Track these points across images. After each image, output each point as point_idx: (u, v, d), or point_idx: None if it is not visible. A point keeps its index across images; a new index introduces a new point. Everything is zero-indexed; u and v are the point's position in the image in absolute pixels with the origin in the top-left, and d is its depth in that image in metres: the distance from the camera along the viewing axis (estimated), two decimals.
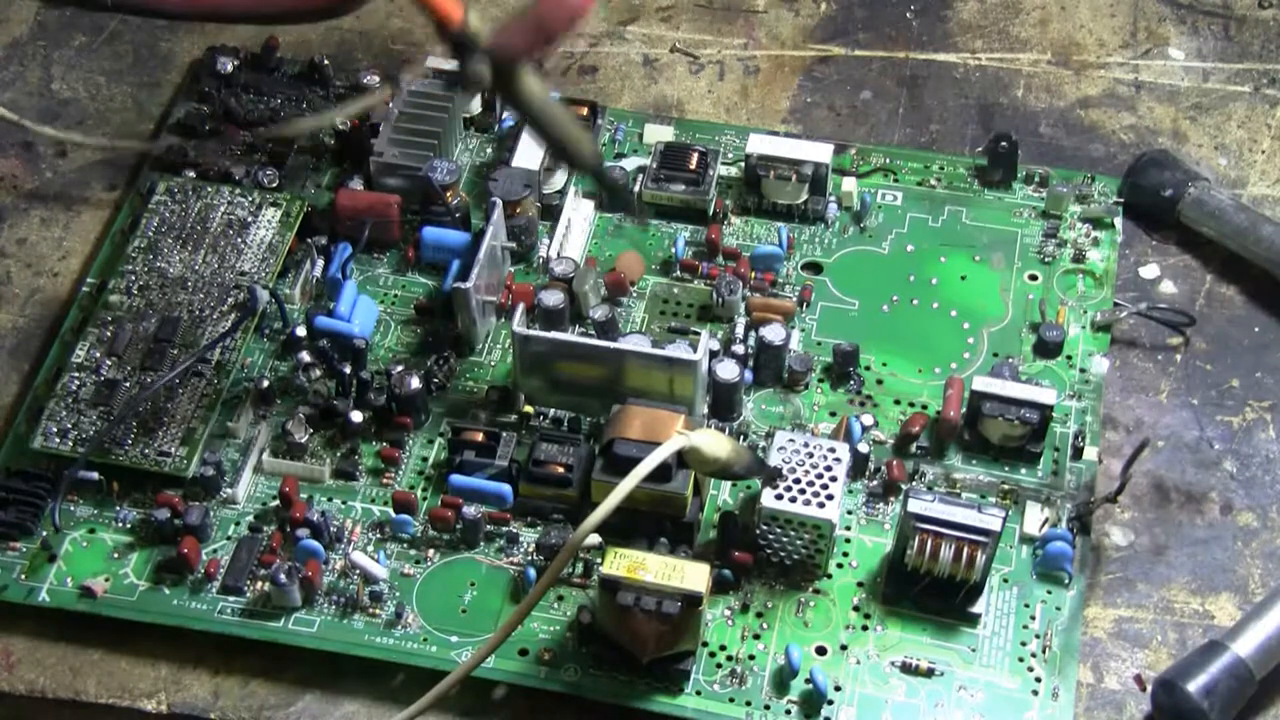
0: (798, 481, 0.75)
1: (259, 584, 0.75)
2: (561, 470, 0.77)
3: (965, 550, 0.73)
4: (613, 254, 0.87)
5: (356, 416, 0.80)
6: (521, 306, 0.80)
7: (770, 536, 0.75)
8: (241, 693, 0.74)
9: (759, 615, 0.75)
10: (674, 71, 0.98)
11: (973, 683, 0.73)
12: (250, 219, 0.86)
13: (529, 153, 0.87)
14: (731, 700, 0.73)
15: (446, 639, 0.74)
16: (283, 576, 0.74)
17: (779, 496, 0.74)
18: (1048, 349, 0.83)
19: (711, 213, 0.89)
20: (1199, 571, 0.78)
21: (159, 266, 0.84)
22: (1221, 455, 0.82)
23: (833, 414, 0.81)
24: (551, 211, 0.88)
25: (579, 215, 0.88)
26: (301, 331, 0.83)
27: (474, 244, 0.83)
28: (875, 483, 0.79)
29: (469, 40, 0.67)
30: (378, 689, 0.74)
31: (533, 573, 0.75)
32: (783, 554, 0.76)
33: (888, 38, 0.99)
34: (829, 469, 0.75)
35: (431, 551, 0.77)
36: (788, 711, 0.72)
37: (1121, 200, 0.89)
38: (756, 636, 0.74)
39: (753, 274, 0.85)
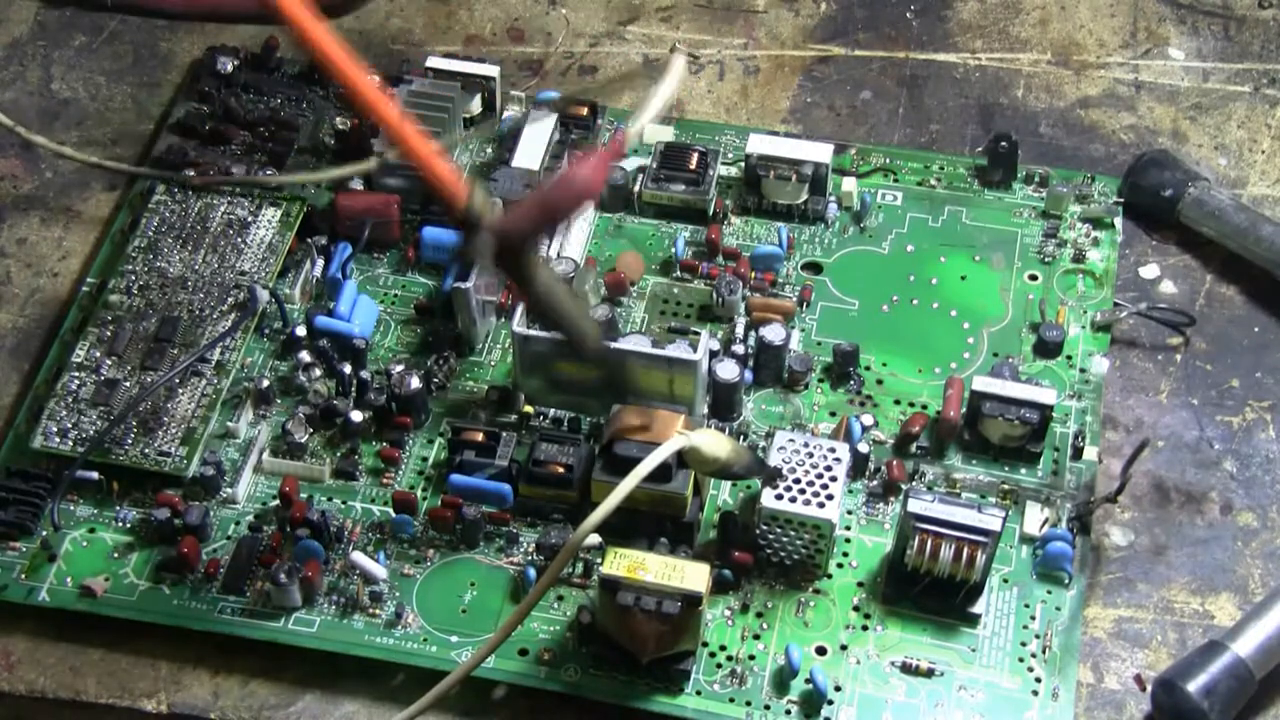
0: (798, 481, 0.75)
1: (259, 584, 0.75)
2: (561, 470, 0.77)
3: (965, 550, 0.73)
4: (613, 254, 0.87)
5: (356, 416, 0.80)
6: (521, 306, 0.80)
7: (770, 536, 0.75)
8: (241, 693, 0.74)
9: (759, 615, 0.75)
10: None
11: (973, 683, 0.73)
12: (250, 219, 0.86)
13: (529, 153, 0.87)
14: (731, 700, 0.73)
15: (446, 639, 0.74)
16: (283, 576, 0.74)
17: (779, 496, 0.74)
18: (1048, 349, 0.83)
19: (711, 213, 0.89)
20: (1199, 571, 0.78)
21: (159, 266, 0.84)
22: (1221, 455, 0.82)
23: (833, 414, 0.81)
24: None
25: (578, 215, 0.88)
26: (301, 331, 0.83)
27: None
28: (875, 483, 0.79)
29: (475, 219, 0.68)
30: (378, 689, 0.74)
31: (533, 573, 0.75)
32: (783, 554, 0.76)
33: (888, 38, 0.99)
34: (829, 469, 0.75)
35: (431, 551, 0.77)
36: (788, 711, 0.72)
37: (1121, 200, 0.89)
38: (756, 636, 0.74)
39: (753, 274, 0.85)
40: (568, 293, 0.72)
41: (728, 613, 0.75)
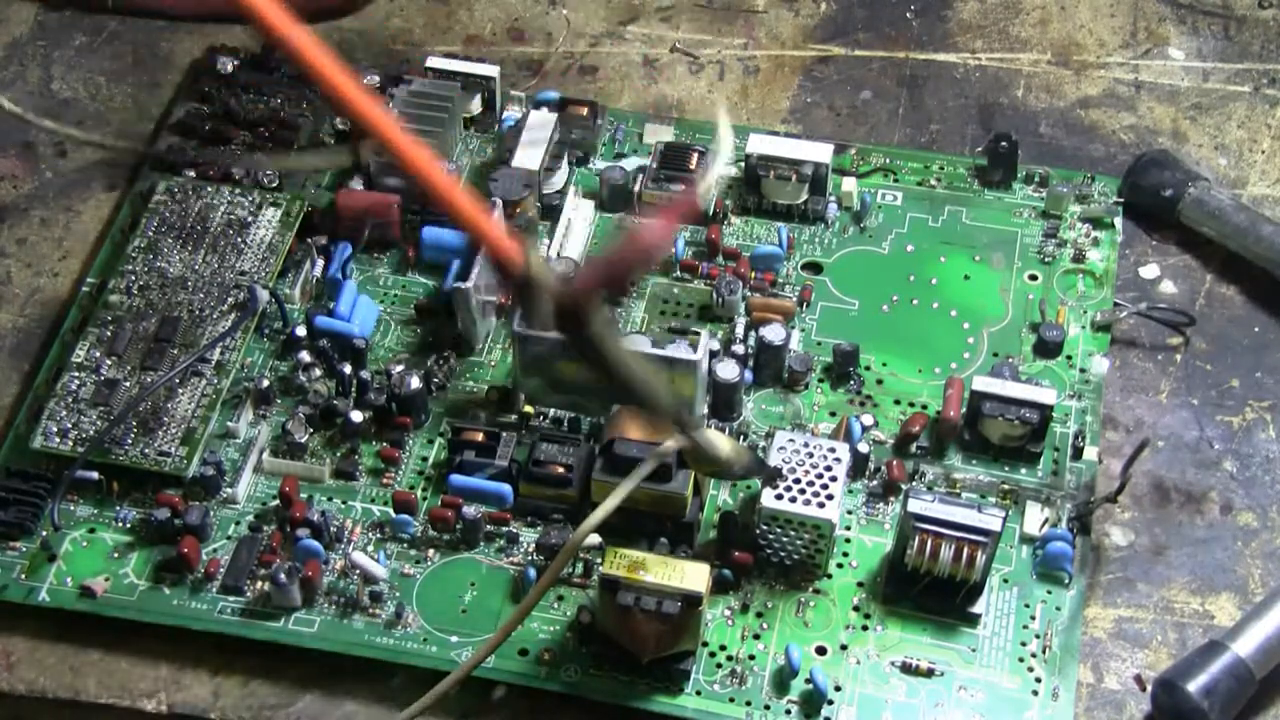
0: (798, 481, 0.75)
1: (259, 584, 0.75)
2: (561, 470, 0.77)
3: (965, 550, 0.73)
4: None
5: (356, 416, 0.80)
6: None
7: (770, 536, 0.75)
8: (241, 693, 0.74)
9: (759, 615, 0.75)
10: (674, 71, 0.98)
11: (973, 683, 0.73)
12: (250, 219, 0.86)
13: (529, 153, 0.87)
14: (731, 700, 0.73)
15: (446, 639, 0.74)
16: (283, 576, 0.74)
17: (779, 496, 0.74)
18: (1048, 349, 0.83)
19: (711, 213, 0.89)
20: (1199, 571, 0.78)
21: (159, 266, 0.84)
22: (1221, 455, 0.82)
23: (833, 414, 0.81)
24: (551, 211, 0.88)
25: (579, 215, 0.88)
26: (301, 331, 0.83)
27: (474, 244, 0.83)
28: (875, 483, 0.79)
29: (534, 284, 0.62)
30: (378, 689, 0.74)
31: (533, 573, 0.75)
32: (783, 554, 0.76)
33: (888, 38, 0.99)
34: (829, 469, 0.75)
35: (431, 551, 0.77)
36: (788, 711, 0.72)
37: (1121, 200, 0.89)
38: (756, 636, 0.74)
39: (753, 274, 0.85)
40: (639, 357, 0.67)
41: (728, 613, 0.75)
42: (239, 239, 0.85)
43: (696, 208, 0.65)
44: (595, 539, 0.74)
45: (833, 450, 0.76)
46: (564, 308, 0.63)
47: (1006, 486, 0.79)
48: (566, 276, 0.63)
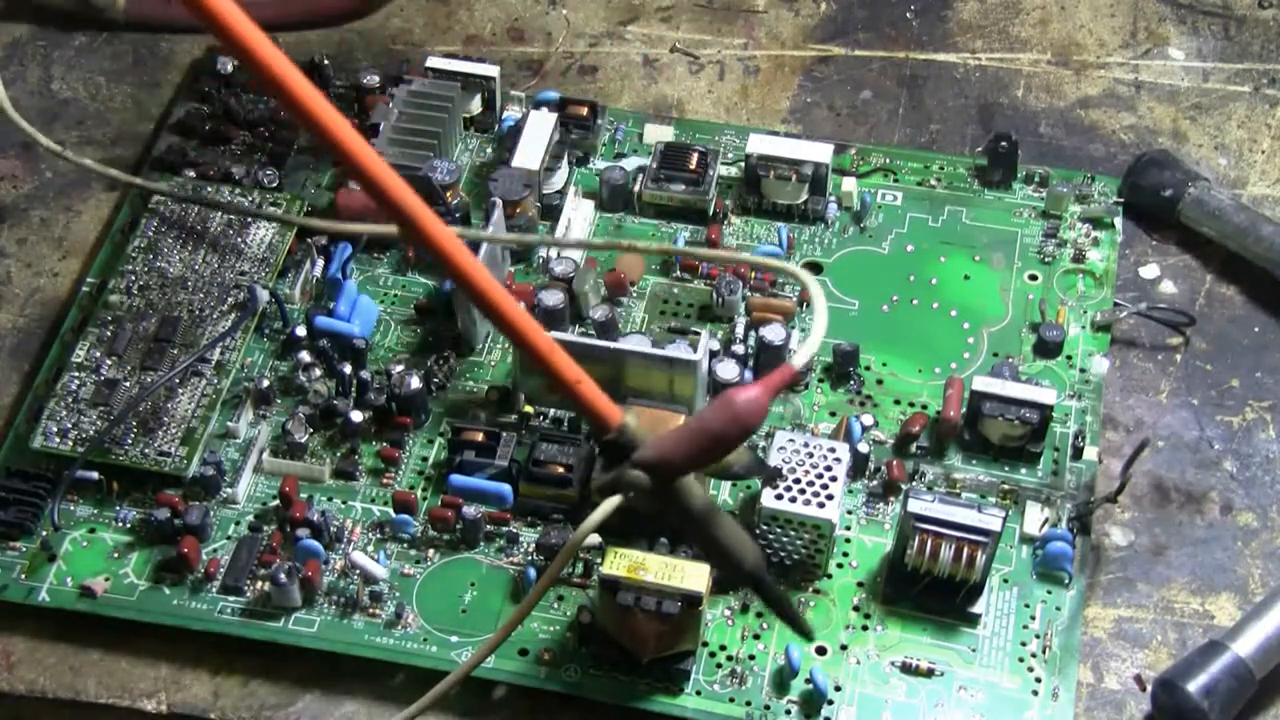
0: (798, 481, 0.75)
1: (259, 584, 0.75)
2: (561, 470, 0.77)
3: (965, 550, 0.73)
4: (613, 254, 0.87)
5: (356, 416, 0.80)
6: (521, 306, 0.80)
7: (770, 536, 0.75)
8: (241, 693, 0.74)
9: (759, 615, 0.75)
10: (674, 71, 0.98)
11: (973, 683, 0.73)
12: (250, 219, 0.86)
13: (529, 153, 0.87)
14: (731, 700, 0.73)
15: (446, 639, 0.74)
16: (283, 576, 0.74)
17: (779, 496, 0.74)
18: (1048, 349, 0.83)
19: (711, 213, 0.89)
20: (1199, 571, 0.78)
21: (159, 266, 0.84)
22: (1221, 455, 0.82)
23: (833, 414, 0.81)
24: (551, 211, 0.88)
25: (579, 215, 0.88)
26: (301, 331, 0.83)
27: (474, 244, 0.83)
28: (875, 483, 0.79)
29: (628, 446, 0.63)
30: (378, 689, 0.74)
31: (533, 573, 0.75)
32: (783, 554, 0.76)
33: (888, 38, 0.99)
34: (829, 469, 0.75)
35: (431, 551, 0.77)
36: (788, 711, 0.72)
37: (1121, 200, 0.89)
38: (756, 636, 0.74)
39: (753, 274, 0.85)
40: (725, 517, 0.67)
41: (728, 613, 0.75)
42: (239, 239, 0.85)
43: (795, 379, 0.65)
44: (595, 539, 0.74)
45: (833, 450, 0.76)
46: (655, 475, 0.63)
47: (1006, 486, 0.79)
48: (659, 444, 0.63)
